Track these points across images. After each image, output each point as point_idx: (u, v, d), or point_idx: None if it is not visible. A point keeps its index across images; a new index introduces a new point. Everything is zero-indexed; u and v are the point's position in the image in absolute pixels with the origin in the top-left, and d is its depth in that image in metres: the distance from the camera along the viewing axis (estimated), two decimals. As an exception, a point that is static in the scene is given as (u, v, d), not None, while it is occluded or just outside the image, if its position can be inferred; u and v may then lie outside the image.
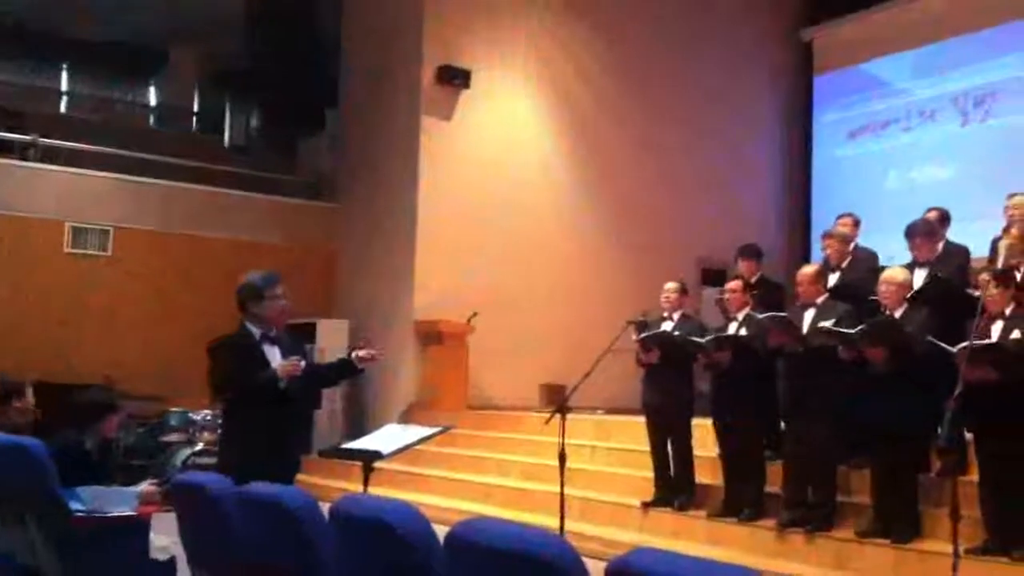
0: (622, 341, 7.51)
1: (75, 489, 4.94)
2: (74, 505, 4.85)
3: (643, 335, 7.89)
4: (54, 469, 4.86)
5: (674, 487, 8.03)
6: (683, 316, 8.07)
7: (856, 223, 8.23)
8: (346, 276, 13.80)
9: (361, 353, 5.41)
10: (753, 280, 8.14)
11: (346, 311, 13.15)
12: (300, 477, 9.17)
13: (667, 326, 7.97)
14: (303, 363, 5.20)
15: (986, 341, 5.79)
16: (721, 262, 12.94)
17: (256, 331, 5.30)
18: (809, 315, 7.07)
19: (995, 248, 7.10)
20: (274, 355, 5.26)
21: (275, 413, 5.14)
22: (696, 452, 8.03)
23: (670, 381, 7.90)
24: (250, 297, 5.30)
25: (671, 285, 8.16)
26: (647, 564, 2.03)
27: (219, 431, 5.72)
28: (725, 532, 7.49)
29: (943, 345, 5.80)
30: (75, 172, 12.77)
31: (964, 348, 5.49)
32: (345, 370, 5.61)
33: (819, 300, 7.11)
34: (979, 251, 7.48)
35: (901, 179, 13.85)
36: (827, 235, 7.97)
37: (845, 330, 6.53)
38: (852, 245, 7.93)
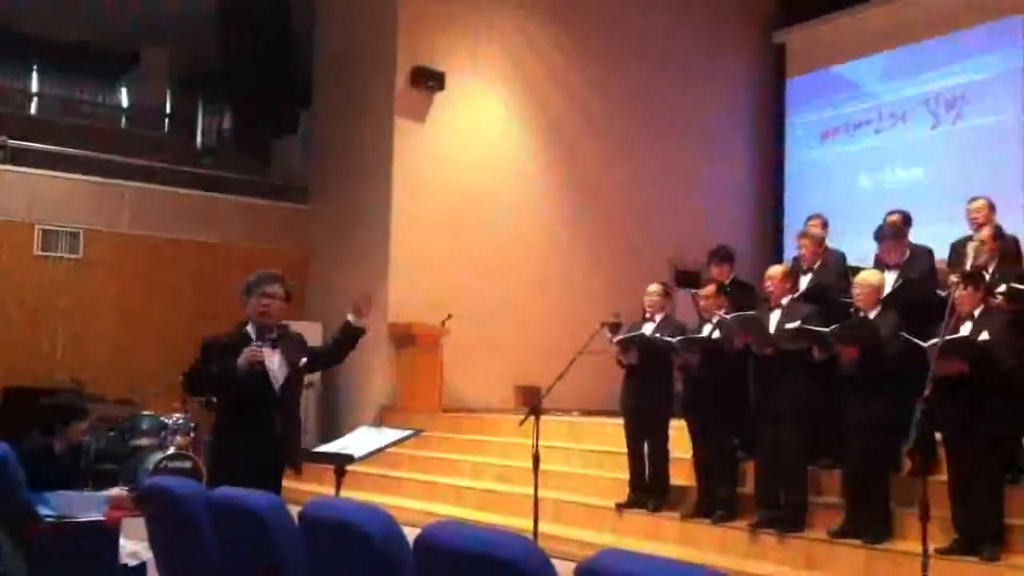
0: (596, 343, 7.52)
1: (44, 494, 4.90)
2: (42, 510, 4.81)
3: (621, 337, 7.91)
4: (22, 473, 4.82)
5: (648, 488, 8.04)
6: (665, 318, 8.07)
7: (824, 224, 8.30)
8: (319, 278, 13.73)
9: (356, 303, 5.28)
10: (726, 283, 8.17)
11: (319, 313, 13.05)
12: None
13: (648, 327, 7.98)
14: (265, 348, 4.99)
15: (958, 335, 5.84)
16: (695, 264, 12.98)
17: (252, 331, 5.11)
18: (775, 316, 7.11)
19: (956, 251, 7.16)
20: (273, 358, 5.06)
21: (268, 415, 5.02)
22: (671, 453, 8.04)
23: (649, 383, 7.90)
24: (243, 293, 5.15)
25: (654, 287, 8.16)
26: (614, 565, 2.03)
27: (210, 432, 5.58)
28: (698, 533, 7.51)
29: (916, 340, 5.84)
30: (45, 174, 12.62)
31: (935, 344, 5.53)
32: (347, 335, 5.38)
33: (785, 301, 7.14)
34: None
35: (872, 181, 13.94)
36: (802, 235, 8.01)
37: (820, 329, 6.57)
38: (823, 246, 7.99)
